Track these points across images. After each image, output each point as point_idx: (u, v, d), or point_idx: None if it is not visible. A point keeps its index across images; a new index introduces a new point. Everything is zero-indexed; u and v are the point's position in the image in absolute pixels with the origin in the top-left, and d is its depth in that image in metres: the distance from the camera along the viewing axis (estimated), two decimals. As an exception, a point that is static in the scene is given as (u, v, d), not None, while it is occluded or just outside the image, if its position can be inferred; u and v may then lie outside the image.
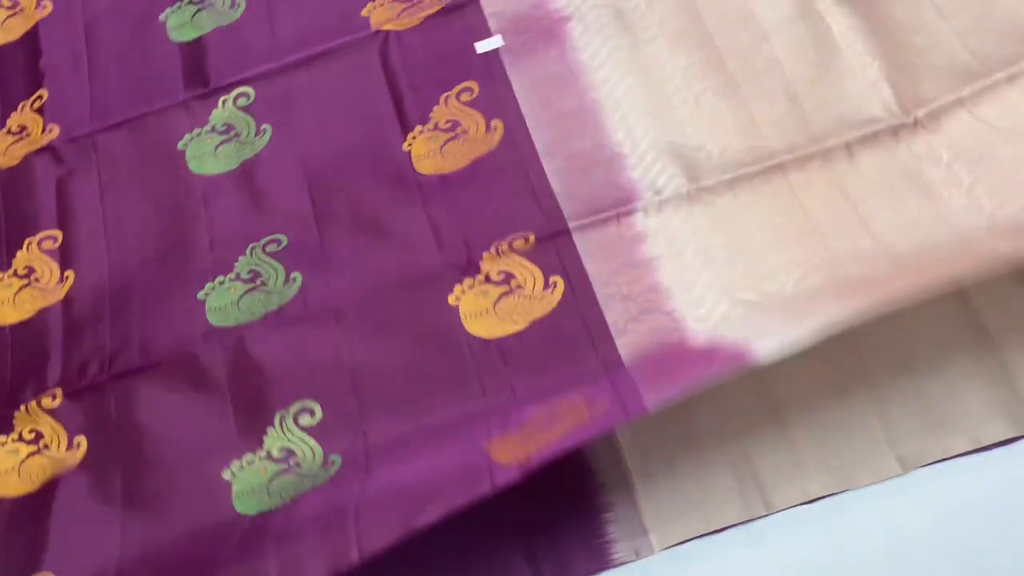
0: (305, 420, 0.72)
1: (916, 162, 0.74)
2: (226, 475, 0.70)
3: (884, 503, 0.65)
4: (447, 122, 0.83)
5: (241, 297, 0.77)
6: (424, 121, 0.83)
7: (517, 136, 0.81)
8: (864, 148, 0.75)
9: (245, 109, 0.88)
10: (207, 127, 0.87)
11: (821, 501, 0.66)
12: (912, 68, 0.78)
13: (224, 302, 0.77)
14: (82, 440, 0.73)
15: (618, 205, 0.76)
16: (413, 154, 0.82)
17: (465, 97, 0.83)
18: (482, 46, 0.85)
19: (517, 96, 0.82)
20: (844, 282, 0.67)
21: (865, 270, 0.70)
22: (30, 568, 0.69)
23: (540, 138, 0.80)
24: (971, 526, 0.64)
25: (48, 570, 0.68)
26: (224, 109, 0.88)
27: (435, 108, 0.83)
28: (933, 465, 0.66)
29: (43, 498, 0.71)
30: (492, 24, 0.87)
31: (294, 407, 0.72)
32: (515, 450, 0.62)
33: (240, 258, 0.79)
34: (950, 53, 0.78)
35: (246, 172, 0.85)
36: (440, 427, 0.69)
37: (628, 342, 0.70)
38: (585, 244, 0.75)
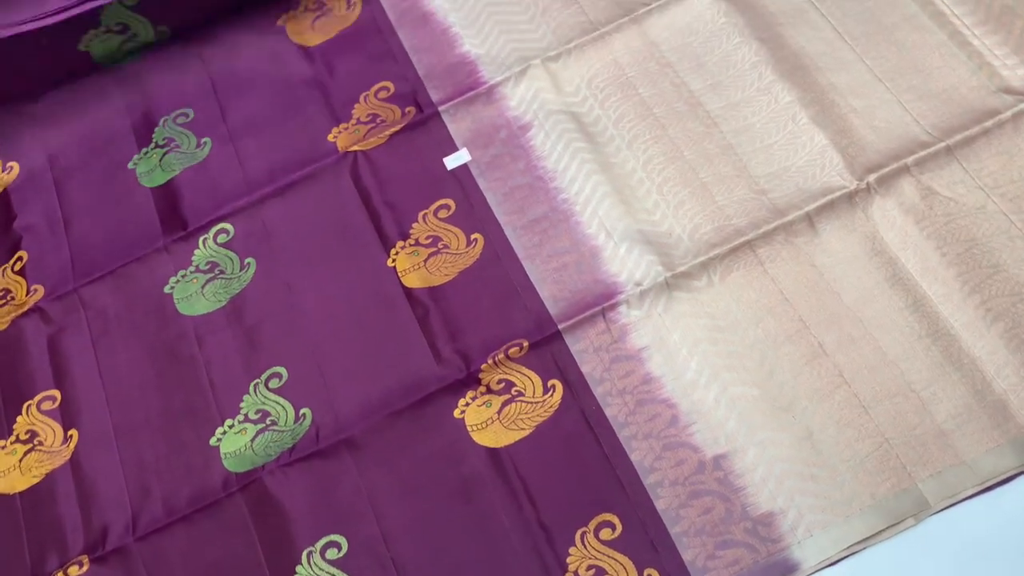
0: (332, 554, 0.73)
1: (873, 227, 0.79)
2: None
3: (901, 556, 0.69)
4: (428, 238, 0.86)
5: (254, 439, 0.79)
6: (405, 237, 0.86)
7: (498, 246, 0.84)
8: (823, 217, 0.80)
9: (226, 245, 0.90)
10: (191, 268, 0.89)
11: (841, 563, 0.69)
12: (855, 132, 0.83)
13: (238, 446, 0.79)
14: None
15: (602, 301, 0.80)
16: (398, 269, 0.85)
17: (443, 214, 0.87)
18: (451, 161, 0.89)
19: (492, 208, 0.86)
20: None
21: (842, 338, 0.75)
22: None
23: (520, 245, 0.84)
24: (986, 566, 0.68)
25: None
26: (205, 248, 0.90)
27: (414, 225, 0.87)
28: (943, 512, 0.69)
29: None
30: (456, 138, 0.91)
31: (320, 543, 0.74)
32: None
33: (245, 397, 0.81)
34: (889, 114, 0.83)
35: (236, 308, 0.87)
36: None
37: (635, 445, 0.74)
38: (576, 344, 0.79)
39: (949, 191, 0.79)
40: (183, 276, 0.89)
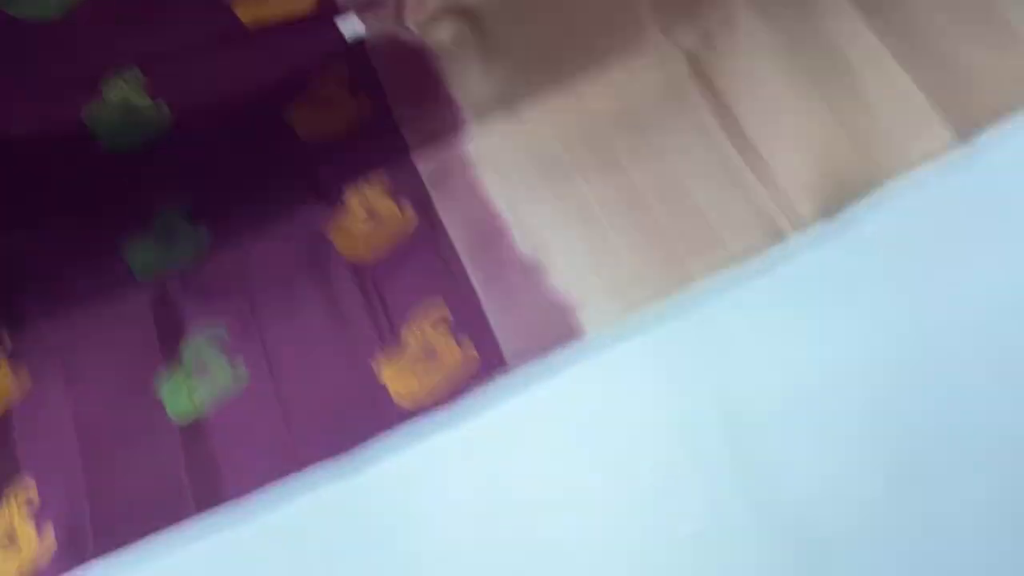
0: (214, 338, 0.89)
1: (681, 72, 0.95)
2: (156, 390, 0.87)
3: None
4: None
5: (156, 253, 0.94)
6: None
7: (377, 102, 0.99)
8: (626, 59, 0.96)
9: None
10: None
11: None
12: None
13: (147, 259, 0.94)
14: (23, 371, 0.89)
15: (449, 130, 0.95)
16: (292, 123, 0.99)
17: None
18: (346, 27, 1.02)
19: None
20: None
21: (640, 155, 0.90)
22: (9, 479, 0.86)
23: (400, 115, 0.98)
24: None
25: (27, 474, 0.85)
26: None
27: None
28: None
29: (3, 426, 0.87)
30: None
31: (206, 331, 0.89)
32: (408, 384, 0.83)
33: (156, 218, 0.96)
34: None
35: None
36: (328, 342, 0.87)
37: (468, 252, 0.89)
38: (427, 172, 0.94)
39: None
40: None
